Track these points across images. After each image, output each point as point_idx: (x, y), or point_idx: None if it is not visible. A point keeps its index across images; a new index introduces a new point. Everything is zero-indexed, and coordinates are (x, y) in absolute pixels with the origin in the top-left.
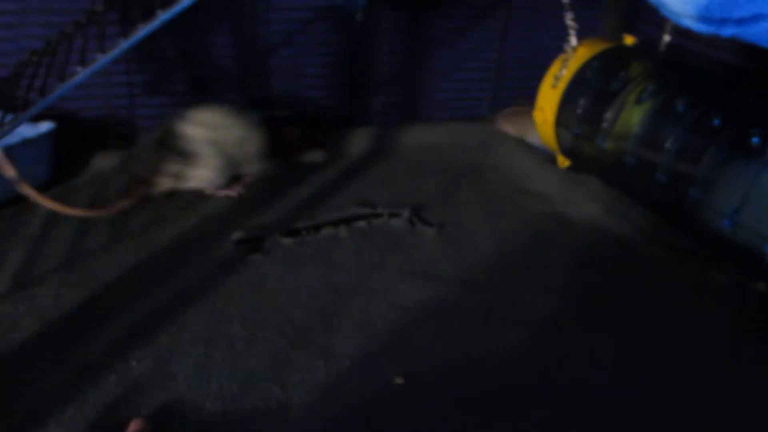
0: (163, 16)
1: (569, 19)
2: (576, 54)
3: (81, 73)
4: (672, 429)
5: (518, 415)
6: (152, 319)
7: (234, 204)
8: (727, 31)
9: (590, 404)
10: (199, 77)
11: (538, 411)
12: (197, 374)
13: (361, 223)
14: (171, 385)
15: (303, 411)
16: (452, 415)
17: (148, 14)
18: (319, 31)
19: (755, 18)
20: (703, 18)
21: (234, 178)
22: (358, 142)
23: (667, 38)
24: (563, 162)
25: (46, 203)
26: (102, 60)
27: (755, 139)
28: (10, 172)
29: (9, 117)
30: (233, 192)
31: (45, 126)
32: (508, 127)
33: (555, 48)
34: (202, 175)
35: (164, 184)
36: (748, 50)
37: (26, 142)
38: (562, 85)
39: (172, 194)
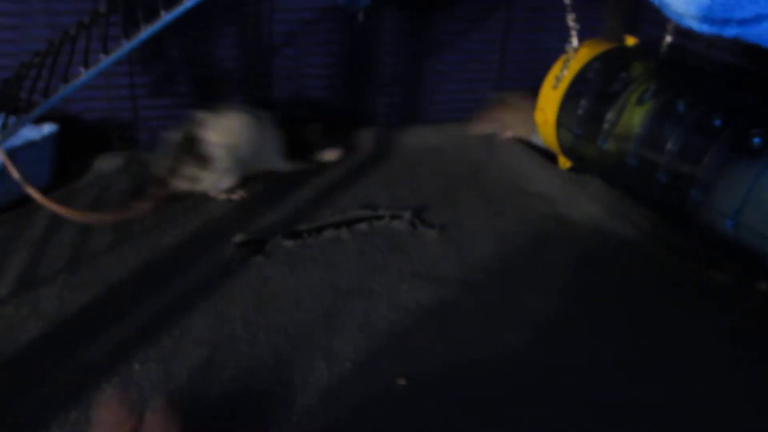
0: (166, 17)
1: (571, 20)
2: (577, 55)
3: (84, 75)
4: (672, 429)
5: (518, 415)
6: (155, 321)
7: (236, 206)
8: (730, 32)
9: (590, 404)
10: (203, 78)
11: (539, 411)
12: (199, 376)
13: (363, 225)
14: (173, 388)
15: (305, 412)
16: (453, 415)
17: (152, 15)
18: (322, 32)
19: (758, 18)
20: (706, 18)
21: (243, 181)
22: (360, 143)
23: (669, 39)
24: (564, 163)
25: (55, 207)
26: (105, 61)
27: (756, 140)
28: (16, 174)
29: (12, 119)
30: (235, 195)
31: (48, 128)
32: (483, 127)
33: (557, 49)
34: (216, 178)
35: (180, 186)
36: (750, 51)
37: (29, 145)
38: (564, 86)
39: (175, 196)
